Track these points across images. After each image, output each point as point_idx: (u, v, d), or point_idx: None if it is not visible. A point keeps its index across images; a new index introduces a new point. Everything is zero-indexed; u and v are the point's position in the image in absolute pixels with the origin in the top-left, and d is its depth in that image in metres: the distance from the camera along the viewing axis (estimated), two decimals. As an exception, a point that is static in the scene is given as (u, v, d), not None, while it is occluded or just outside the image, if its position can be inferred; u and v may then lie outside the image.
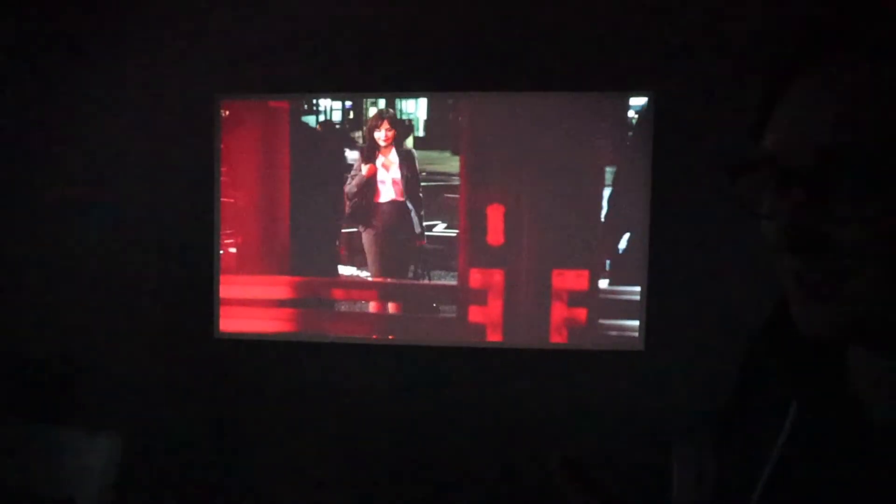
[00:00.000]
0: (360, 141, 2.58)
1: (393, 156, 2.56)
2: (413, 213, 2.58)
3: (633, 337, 2.45)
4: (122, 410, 2.50)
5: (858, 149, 0.46)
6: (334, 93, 2.56)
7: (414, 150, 2.55)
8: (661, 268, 2.42)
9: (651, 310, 2.42)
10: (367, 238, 2.61)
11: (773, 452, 0.61)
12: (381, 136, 2.56)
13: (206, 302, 2.60)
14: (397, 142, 2.56)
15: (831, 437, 0.56)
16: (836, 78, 0.48)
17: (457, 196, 2.52)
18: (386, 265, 2.59)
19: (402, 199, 2.58)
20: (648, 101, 2.39)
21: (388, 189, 2.59)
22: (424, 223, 2.58)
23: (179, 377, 2.64)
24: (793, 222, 0.50)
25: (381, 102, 2.54)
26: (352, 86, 2.54)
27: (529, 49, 2.46)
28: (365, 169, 2.57)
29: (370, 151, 2.57)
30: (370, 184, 2.58)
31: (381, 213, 2.61)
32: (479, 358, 2.54)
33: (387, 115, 2.57)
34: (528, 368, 2.53)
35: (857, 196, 0.47)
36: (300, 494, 2.60)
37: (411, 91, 2.52)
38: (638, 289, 2.42)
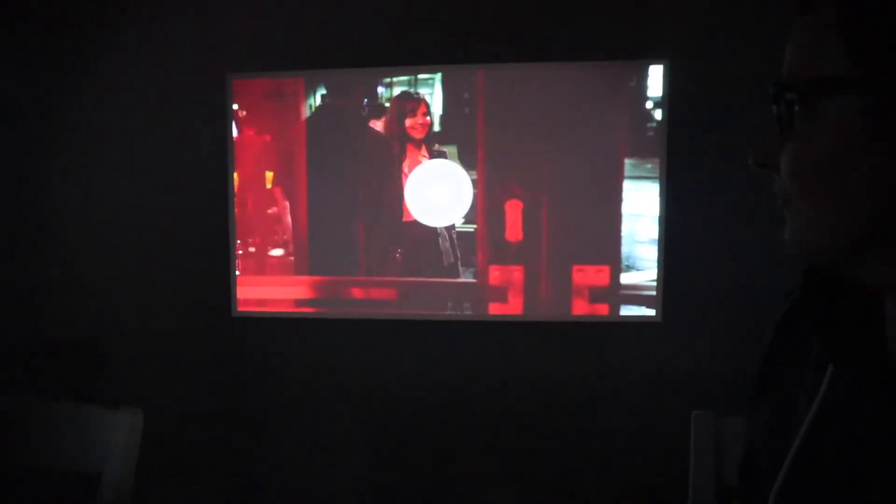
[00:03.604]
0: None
1: (424, 157, 2.23)
2: (445, 238, 2.31)
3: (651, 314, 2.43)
4: (143, 389, 2.53)
5: None
6: (348, 68, 2.34)
7: (448, 151, 2.20)
8: (676, 241, 2.40)
9: (668, 280, 2.40)
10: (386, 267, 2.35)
11: (808, 415, 0.59)
12: (415, 125, 2.17)
13: (224, 282, 2.56)
14: (429, 139, 2.19)
15: (868, 399, 0.54)
16: None
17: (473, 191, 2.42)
18: (411, 301, 2.32)
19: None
20: (664, 70, 2.30)
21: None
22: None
23: (197, 354, 2.64)
24: None
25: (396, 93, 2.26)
26: (365, 62, 2.33)
27: (544, 19, 2.33)
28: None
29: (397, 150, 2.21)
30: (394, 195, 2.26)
31: (408, 235, 2.25)
32: (499, 331, 2.51)
33: (422, 98, 2.13)
34: (548, 340, 2.51)
35: None
36: (318, 470, 2.60)
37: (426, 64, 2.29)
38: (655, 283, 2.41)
